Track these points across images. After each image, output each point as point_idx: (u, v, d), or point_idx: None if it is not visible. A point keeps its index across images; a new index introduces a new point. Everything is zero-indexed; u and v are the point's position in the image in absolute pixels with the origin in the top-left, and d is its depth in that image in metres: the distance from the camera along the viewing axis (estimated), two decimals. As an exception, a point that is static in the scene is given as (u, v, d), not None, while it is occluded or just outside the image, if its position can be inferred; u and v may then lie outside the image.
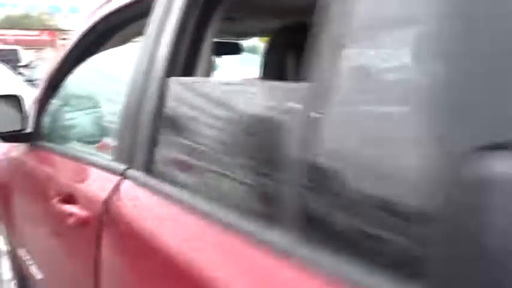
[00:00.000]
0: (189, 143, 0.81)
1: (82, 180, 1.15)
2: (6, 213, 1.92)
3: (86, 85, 1.60)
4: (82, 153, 1.27)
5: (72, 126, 1.55)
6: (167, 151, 0.88)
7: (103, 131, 1.40)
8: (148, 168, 0.89)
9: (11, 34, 27.03)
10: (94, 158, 1.16)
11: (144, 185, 0.88)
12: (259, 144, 0.63)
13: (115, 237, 0.94)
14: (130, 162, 0.97)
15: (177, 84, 0.88)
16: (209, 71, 0.99)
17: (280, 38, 1.12)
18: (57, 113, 1.60)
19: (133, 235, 0.87)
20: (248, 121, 0.67)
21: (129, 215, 0.88)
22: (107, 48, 1.48)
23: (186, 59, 0.91)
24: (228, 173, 0.70)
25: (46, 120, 1.60)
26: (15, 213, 1.78)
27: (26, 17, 32.27)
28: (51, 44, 28.46)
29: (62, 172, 1.32)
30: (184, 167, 0.83)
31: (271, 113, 0.62)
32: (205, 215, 0.70)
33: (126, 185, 0.94)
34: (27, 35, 28.90)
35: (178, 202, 0.78)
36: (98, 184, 1.05)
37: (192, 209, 0.74)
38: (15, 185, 1.74)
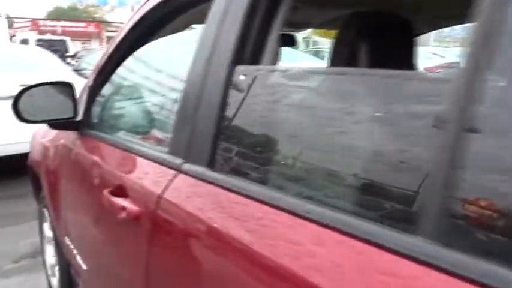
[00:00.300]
0: (264, 136, 0.74)
1: (134, 173, 1.10)
2: (52, 200, 1.92)
3: (137, 75, 1.56)
4: (133, 144, 1.22)
5: (122, 116, 1.52)
6: (233, 144, 0.81)
7: (153, 122, 1.35)
8: (210, 162, 0.83)
9: (59, 25, 27.98)
10: (147, 150, 1.11)
11: (205, 180, 0.82)
12: (384, 143, 0.56)
13: (170, 235, 0.88)
14: (187, 156, 0.90)
15: (249, 73, 0.81)
16: (276, 60, 0.91)
17: (351, 27, 1.04)
18: (107, 103, 1.57)
19: (191, 233, 0.81)
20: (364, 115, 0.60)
21: (187, 211, 0.82)
22: (158, 38, 1.43)
23: (254, 47, 0.84)
24: (327, 170, 0.64)
25: (96, 109, 1.57)
26: (61, 201, 1.77)
27: (74, 8, 33.29)
28: (97, 35, 29.26)
29: (112, 163, 1.28)
30: (254, 162, 0.76)
31: (403, 108, 0.54)
32: (288, 213, 0.62)
33: (184, 180, 0.88)
34: (75, 27, 29.82)
35: (246, 198, 0.71)
36: (151, 178, 0.99)
37: (264, 207, 0.67)
38: (63, 173, 1.73)
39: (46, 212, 2.20)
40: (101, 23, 32.52)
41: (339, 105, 0.68)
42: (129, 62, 1.46)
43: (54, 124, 1.58)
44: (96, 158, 1.38)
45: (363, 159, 0.60)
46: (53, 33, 22.99)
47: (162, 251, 0.90)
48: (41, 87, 1.53)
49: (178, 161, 0.92)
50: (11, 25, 25.73)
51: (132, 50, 1.42)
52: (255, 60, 0.84)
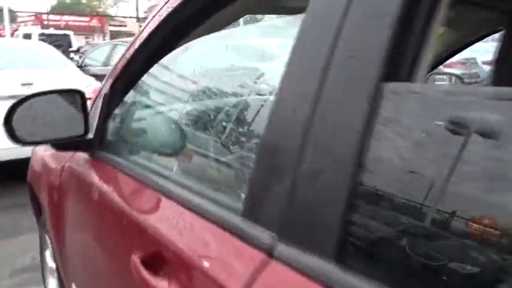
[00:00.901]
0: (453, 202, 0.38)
1: (181, 238, 0.71)
2: (55, 232, 1.55)
3: (174, 84, 1.17)
4: (172, 184, 0.83)
5: (152, 139, 1.14)
6: (388, 220, 0.44)
7: (205, 156, 0.93)
8: (338, 250, 0.46)
9: (63, 20, 27.73)
10: (197, 201, 0.72)
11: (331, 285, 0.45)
12: None
13: None
14: (284, 228, 0.53)
15: (415, 94, 0.45)
16: (425, 75, 0.55)
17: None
18: (129, 117, 1.20)
19: None
20: None
21: None
22: (204, 35, 1.05)
23: (412, 54, 0.47)
24: None
25: (113, 125, 1.20)
26: (66, 238, 1.40)
27: (77, 2, 33.00)
28: (101, 30, 28.97)
29: (140, 207, 0.91)
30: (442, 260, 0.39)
31: None
32: None
33: (281, 274, 0.51)
34: (78, 21, 29.54)
35: None
36: (216, 258, 0.62)
37: None
38: (68, 205, 1.36)
39: (48, 239, 1.84)
40: (104, 17, 32.12)
41: None
42: (162, 65, 1.09)
43: (57, 144, 1.22)
44: (115, 196, 1.00)
45: None
46: (56, 27, 22.57)
47: None
48: (41, 96, 1.17)
49: (265, 235, 0.55)
50: (14, 19, 25.31)
51: (167, 50, 1.04)
52: (410, 75, 0.48)
